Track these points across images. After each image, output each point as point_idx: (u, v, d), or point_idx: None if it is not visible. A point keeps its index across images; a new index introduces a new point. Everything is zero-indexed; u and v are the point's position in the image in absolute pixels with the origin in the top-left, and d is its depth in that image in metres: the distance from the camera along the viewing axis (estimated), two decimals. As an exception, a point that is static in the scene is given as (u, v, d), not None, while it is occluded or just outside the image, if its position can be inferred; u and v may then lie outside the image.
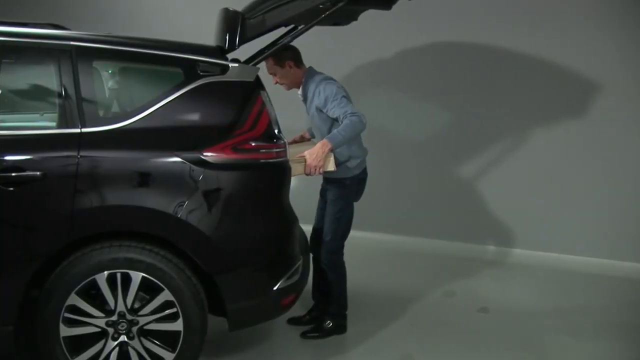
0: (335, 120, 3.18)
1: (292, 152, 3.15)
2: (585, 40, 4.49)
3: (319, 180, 3.44)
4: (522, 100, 4.74)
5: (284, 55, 3.21)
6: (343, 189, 3.30)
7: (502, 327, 3.63)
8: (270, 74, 3.30)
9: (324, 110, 3.19)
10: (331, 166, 3.04)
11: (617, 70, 4.47)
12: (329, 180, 3.33)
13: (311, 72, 3.31)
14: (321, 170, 3.02)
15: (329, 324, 3.42)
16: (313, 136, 3.71)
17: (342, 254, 3.39)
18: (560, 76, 4.59)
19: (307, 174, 3.00)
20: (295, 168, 2.91)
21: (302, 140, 3.74)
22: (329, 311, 3.46)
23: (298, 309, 3.44)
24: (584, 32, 4.49)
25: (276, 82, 3.34)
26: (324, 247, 3.34)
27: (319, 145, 3.01)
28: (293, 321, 3.55)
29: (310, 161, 2.98)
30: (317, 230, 3.48)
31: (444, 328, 3.59)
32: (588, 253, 4.69)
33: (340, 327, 3.45)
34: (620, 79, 4.46)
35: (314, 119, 3.31)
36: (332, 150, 3.03)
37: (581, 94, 4.59)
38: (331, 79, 3.27)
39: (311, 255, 3.39)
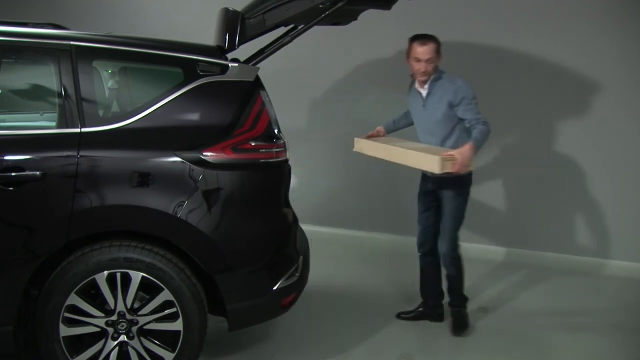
0: (460, 121, 3.28)
1: (417, 147, 3.34)
2: (587, 39, 4.49)
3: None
4: (522, 101, 4.74)
5: (440, 48, 3.31)
6: (464, 186, 3.41)
7: (502, 327, 3.63)
8: (426, 60, 3.29)
9: (454, 108, 3.27)
10: (472, 166, 3.24)
11: (619, 69, 4.46)
12: (446, 179, 3.34)
13: (441, 70, 3.39)
14: (467, 170, 3.19)
15: (462, 313, 3.56)
16: (389, 132, 3.76)
17: (459, 246, 3.52)
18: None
19: (455, 172, 3.12)
20: (445, 165, 3.08)
21: (378, 135, 3.76)
22: (454, 303, 3.58)
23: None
24: (584, 32, 4.49)
25: (424, 71, 3.32)
26: (446, 245, 3.45)
27: (468, 147, 3.12)
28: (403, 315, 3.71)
29: (462, 160, 3.08)
30: (426, 232, 3.58)
31: (444, 328, 3.59)
32: (588, 253, 4.69)
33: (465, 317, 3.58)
34: (622, 78, 4.46)
35: (435, 113, 3.34)
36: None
37: (583, 95, 4.58)
38: (465, 80, 3.34)
39: (424, 257, 3.60)
